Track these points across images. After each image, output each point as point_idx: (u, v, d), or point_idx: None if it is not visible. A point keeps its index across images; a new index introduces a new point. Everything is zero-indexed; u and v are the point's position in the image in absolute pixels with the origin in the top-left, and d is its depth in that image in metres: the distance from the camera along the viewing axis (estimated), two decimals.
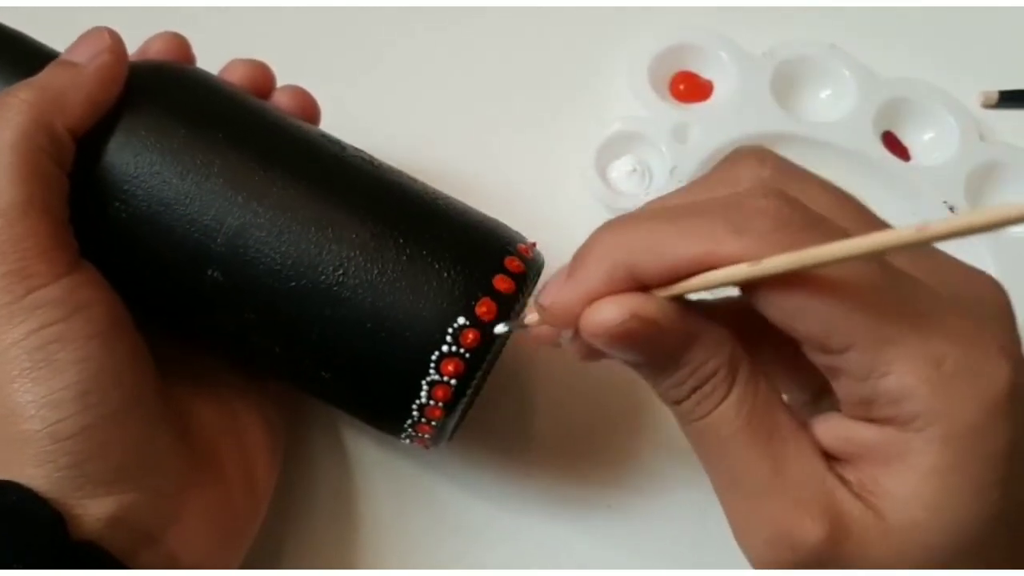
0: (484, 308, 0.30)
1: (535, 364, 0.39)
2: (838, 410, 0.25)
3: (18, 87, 0.30)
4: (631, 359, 0.25)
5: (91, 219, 0.30)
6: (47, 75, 0.30)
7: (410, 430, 0.31)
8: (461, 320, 0.29)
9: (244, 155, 0.30)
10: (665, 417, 0.38)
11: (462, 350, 0.30)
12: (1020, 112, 0.47)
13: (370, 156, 0.33)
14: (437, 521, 0.37)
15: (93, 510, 0.27)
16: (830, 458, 0.25)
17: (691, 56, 0.45)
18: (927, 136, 0.45)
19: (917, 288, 0.24)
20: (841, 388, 0.24)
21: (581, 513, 0.37)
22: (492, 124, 0.44)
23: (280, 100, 0.35)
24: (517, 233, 0.33)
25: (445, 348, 0.29)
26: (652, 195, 0.41)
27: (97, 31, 0.31)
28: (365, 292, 0.30)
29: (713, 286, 0.23)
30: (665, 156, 0.42)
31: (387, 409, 0.32)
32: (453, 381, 0.30)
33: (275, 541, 0.36)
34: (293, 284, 0.30)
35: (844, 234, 0.23)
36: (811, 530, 0.24)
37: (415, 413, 0.31)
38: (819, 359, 0.24)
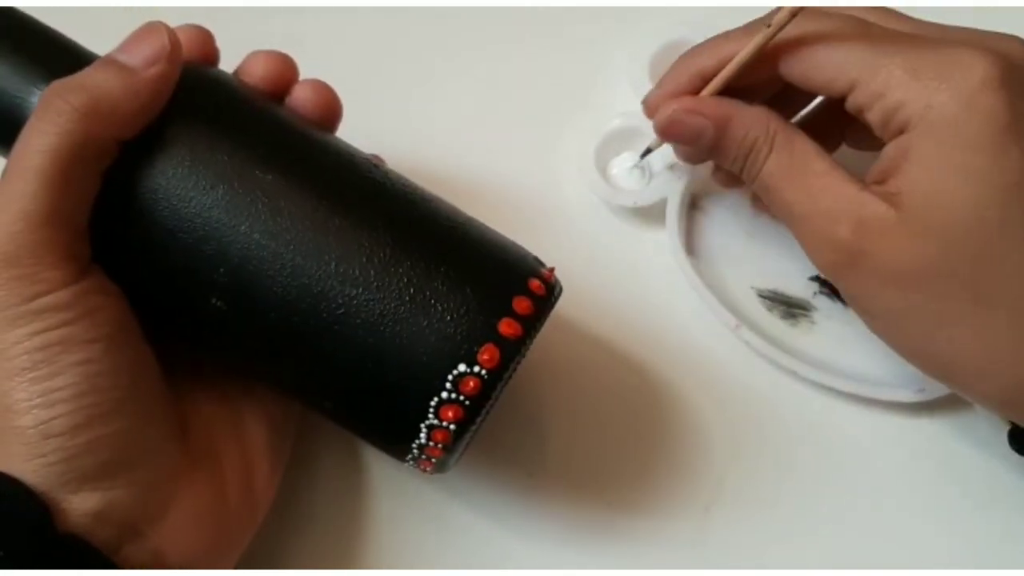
0: (487, 356, 0.29)
1: (543, 381, 0.39)
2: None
3: (69, 89, 0.28)
4: (693, 143, 0.35)
5: (105, 228, 0.29)
6: (100, 79, 0.29)
7: (412, 462, 0.31)
8: (462, 367, 0.29)
9: (251, 186, 0.29)
10: (670, 419, 0.39)
11: (462, 397, 0.29)
12: None
13: (383, 172, 0.32)
14: (437, 525, 0.37)
15: (79, 505, 0.27)
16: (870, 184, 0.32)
17: None
18: None
19: (905, 32, 0.32)
20: (868, 121, 0.32)
21: (581, 509, 0.37)
22: (492, 120, 0.44)
23: (302, 94, 0.34)
24: (532, 261, 0.32)
25: (444, 395, 0.29)
26: (652, 192, 0.41)
27: (156, 30, 0.30)
28: (366, 332, 0.29)
29: (746, 60, 0.33)
30: (665, 152, 0.42)
31: (387, 444, 0.31)
32: (452, 426, 0.29)
33: (276, 541, 0.35)
34: (295, 319, 0.29)
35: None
36: (841, 232, 0.31)
37: (415, 451, 0.30)
38: (845, 105, 0.32)
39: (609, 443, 0.38)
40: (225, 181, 0.29)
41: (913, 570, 0.37)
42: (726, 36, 0.35)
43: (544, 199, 0.42)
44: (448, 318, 0.29)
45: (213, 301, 0.29)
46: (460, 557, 0.37)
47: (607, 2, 0.45)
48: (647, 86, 0.43)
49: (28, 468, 0.27)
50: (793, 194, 0.33)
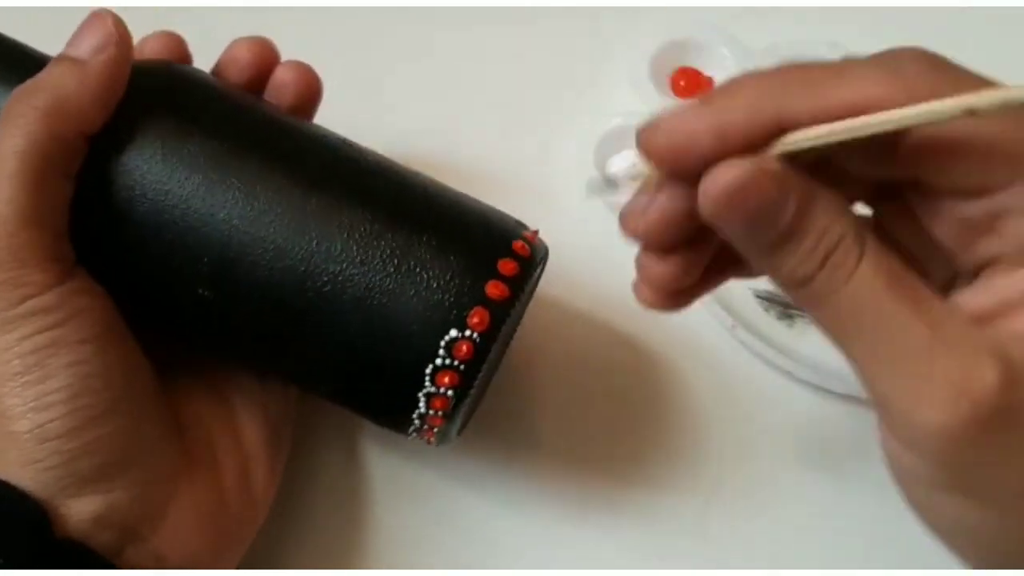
0: (477, 319, 0.29)
1: (541, 379, 0.39)
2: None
3: (29, 92, 0.29)
4: (755, 225, 0.23)
5: (87, 229, 0.29)
6: (55, 76, 0.29)
7: (414, 434, 0.31)
8: (453, 332, 0.29)
9: (225, 173, 0.29)
10: (668, 420, 0.39)
11: (456, 362, 0.29)
12: None
13: (359, 148, 0.32)
14: (436, 525, 0.37)
15: (78, 508, 0.28)
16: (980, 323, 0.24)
17: (692, 52, 0.45)
18: None
19: None
20: (1007, 230, 0.23)
21: (583, 511, 0.37)
22: (492, 118, 0.44)
23: (283, 76, 0.34)
24: (514, 224, 0.32)
25: (439, 361, 0.29)
26: None
27: (99, 18, 0.30)
28: (355, 307, 0.29)
29: (865, 132, 0.22)
30: None
31: (387, 418, 0.32)
32: (450, 392, 0.30)
33: (276, 541, 0.36)
34: (283, 301, 0.29)
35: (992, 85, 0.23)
36: (989, 375, 0.22)
37: (416, 421, 0.31)
38: (975, 208, 0.23)
39: (606, 442, 0.38)
40: (199, 171, 0.29)
41: (907, 570, 0.37)
42: (833, 72, 0.23)
43: (544, 197, 0.42)
44: (435, 285, 0.29)
45: (200, 291, 0.30)
46: (459, 557, 0.37)
47: (607, 2, 0.45)
48: (647, 86, 0.43)
49: (25, 474, 0.27)
50: (903, 316, 0.23)
